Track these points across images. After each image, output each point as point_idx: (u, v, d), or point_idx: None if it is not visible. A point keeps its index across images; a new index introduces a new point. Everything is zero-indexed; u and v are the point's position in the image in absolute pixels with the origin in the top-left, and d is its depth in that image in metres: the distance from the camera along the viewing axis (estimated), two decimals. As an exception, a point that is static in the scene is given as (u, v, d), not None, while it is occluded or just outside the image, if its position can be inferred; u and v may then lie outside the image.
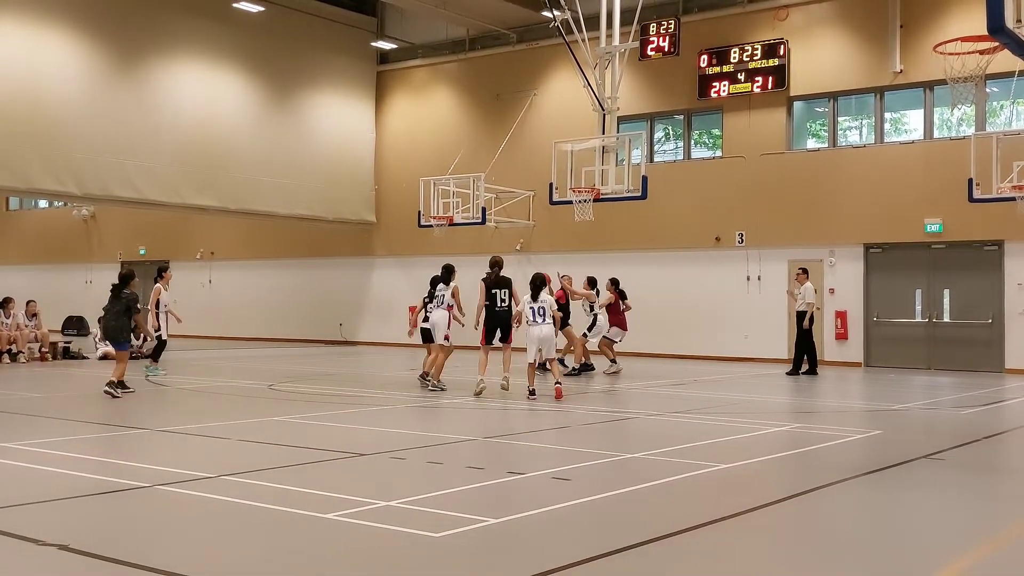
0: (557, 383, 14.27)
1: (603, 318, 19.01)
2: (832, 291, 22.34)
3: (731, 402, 14.30)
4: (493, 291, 14.61)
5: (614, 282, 19.04)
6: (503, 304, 14.60)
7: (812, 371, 19.16)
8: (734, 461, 9.00)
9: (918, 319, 21.80)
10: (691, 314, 24.15)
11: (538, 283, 14.50)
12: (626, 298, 19.09)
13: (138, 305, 14.36)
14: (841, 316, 22.34)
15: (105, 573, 5.35)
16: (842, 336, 22.32)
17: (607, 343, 18.77)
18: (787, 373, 19.30)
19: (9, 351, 20.48)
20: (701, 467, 8.56)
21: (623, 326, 18.93)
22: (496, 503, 7.16)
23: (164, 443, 9.90)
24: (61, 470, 8.06)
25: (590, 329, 19.12)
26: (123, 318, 14.01)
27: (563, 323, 17.76)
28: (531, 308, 14.26)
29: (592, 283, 19.41)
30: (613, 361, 18.61)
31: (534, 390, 14.13)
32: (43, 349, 21.25)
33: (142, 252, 34.88)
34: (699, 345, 23.96)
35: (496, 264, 14.99)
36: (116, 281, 14.37)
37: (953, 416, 13.27)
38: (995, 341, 20.89)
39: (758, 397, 15.46)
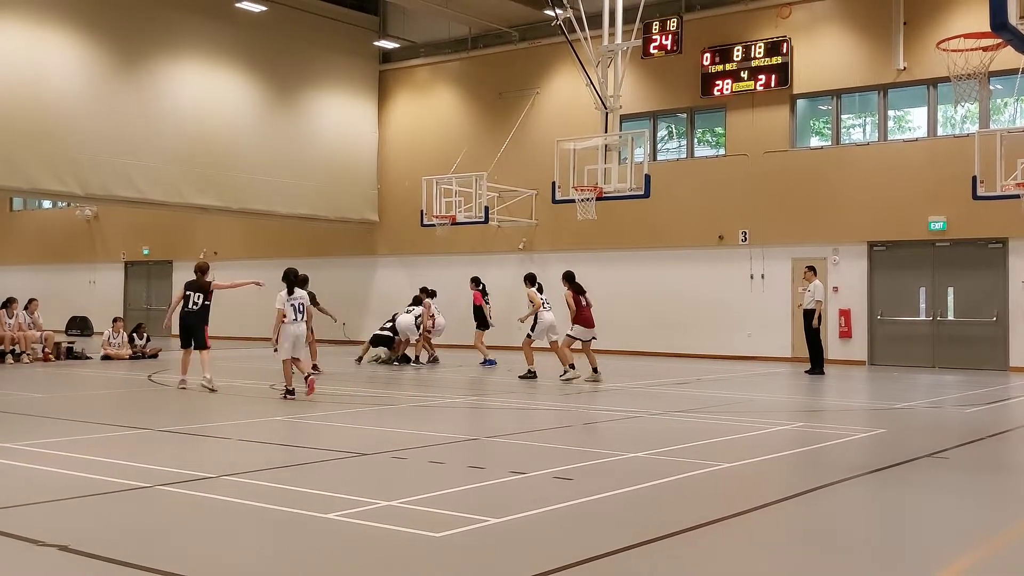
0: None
1: (548, 316, 17.33)
2: (836, 289, 22.29)
3: (734, 401, 14.27)
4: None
5: (568, 277, 17.06)
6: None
7: (818, 370, 19.02)
8: (737, 460, 8.97)
9: (922, 317, 21.75)
10: (694, 313, 24.11)
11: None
12: (584, 292, 16.94)
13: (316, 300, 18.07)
14: (845, 314, 22.29)
15: (105, 574, 5.33)
16: (846, 334, 22.28)
17: (569, 342, 16.84)
18: (806, 372, 19.12)
19: (12, 351, 20.49)
20: (704, 466, 8.53)
21: (588, 323, 16.79)
22: (497, 503, 7.13)
23: (165, 443, 9.89)
24: (62, 470, 8.04)
25: (533, 329, 17.48)
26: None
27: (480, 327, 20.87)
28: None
29: (532, 280, 17.95)
30: (571, 367, 16.67)
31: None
32: (46, 349, 21.26)
33: (145, 252, 34.92)
34: (702, 344, 23.92)
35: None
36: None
37: (957, 415, 13.23)
38: (999, 339, 20.83)
39: (761, 396, 15.42)
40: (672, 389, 16.17)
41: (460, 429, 11.46)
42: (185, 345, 15.29)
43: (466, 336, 21.94)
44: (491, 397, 14.62)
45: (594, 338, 16.98)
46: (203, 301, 15.06)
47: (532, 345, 17.44)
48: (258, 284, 16.27)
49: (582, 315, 16.71)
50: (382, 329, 21.15)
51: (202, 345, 15.05)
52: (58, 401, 14.08)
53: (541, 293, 17.70)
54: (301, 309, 13.76)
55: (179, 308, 15.21)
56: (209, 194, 25.15)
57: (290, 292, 13.74)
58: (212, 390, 14.54)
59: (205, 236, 32.93)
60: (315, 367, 18.19)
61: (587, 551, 5.70)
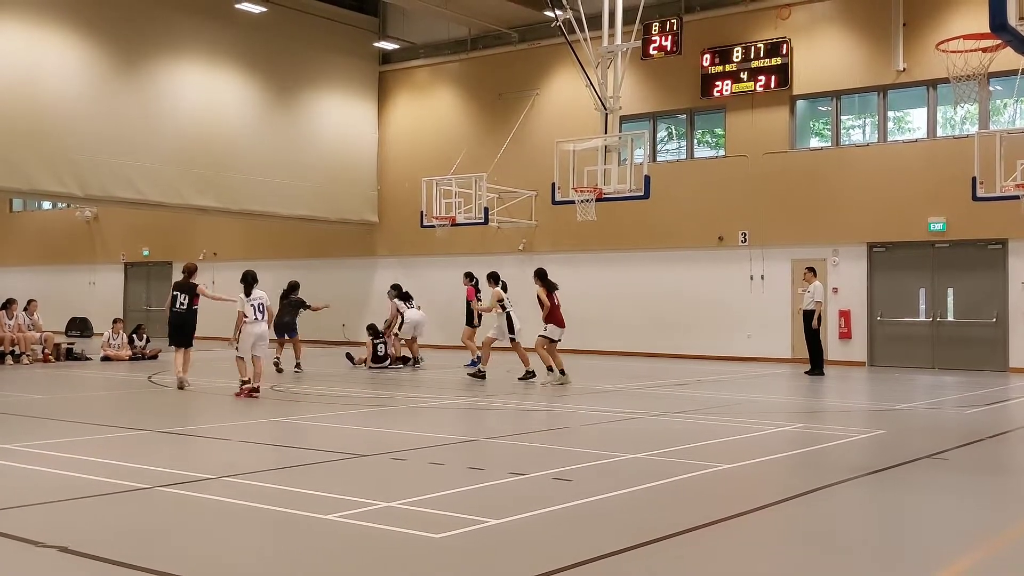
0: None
1: (514, 315, 17.36)
2: (836, 290, 22.30)
3: (734, 402, 14.27)
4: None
5: (540, 274, 16.69)
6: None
7: (818, 371, 18.99)
8: (737, 461, 8.97)
9: (922, 318, 21.75)
10: (694, 314, 24.11)
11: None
12: (555, 290, 16.56)
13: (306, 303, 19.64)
14: (845, 315, 22.30)
15: (105, 574, 5.33)
16: (846, 335, 22.28)
17: (543, 343, 16.23)
18: (806, 372, 19.10)
19: (12, 352, 20.49)
20: (703, 467, 8.53)
21: (560, 322, 16.35)
22: (497, 504, 7.13)
23: (165, 444, 9.89)
24: (62, 471, 8.05)
25: (512, 331, 17.23)
26: (292, 314, 19.17)
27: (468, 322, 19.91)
28: None
29: (496, 278, 17.89)
30: (561, 371, 16.14)
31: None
32: (46, 351, 21.26)
33: (145, 253, 34.91)
34: (702, 345, 23.91)
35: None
36: (285, 287, 19.66)
37: (957, 416, 13.23)
38: (999, 340, 20.83)
39: (761, 397, 15.43)
40: (672, 390, 16.17)
41: (459, 430, 11.47)
42: (175, 344, 15.60)
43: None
44: (490, 398, 14.61)
45: (559, 339, 16.43)
46: (189, 303, 15.45)
47: (521, 346, 17.34)
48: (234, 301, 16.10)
49: (555, 314, 16.26)
50: (377, 362, 20.03)
51: (188, 345, 15.54)
52: (58, 402, 14.08)
53: (506, 292, 17.74)
54: (261, 309, 14.20)
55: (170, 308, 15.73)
56: (209, 195, 25.15)
57: (247, 293, 14.17)
58: (182, 387, 15.09)
59: (205, 237, 32.91)
60: (298, 365, 18.76)
61: (587, 552, 5.70)
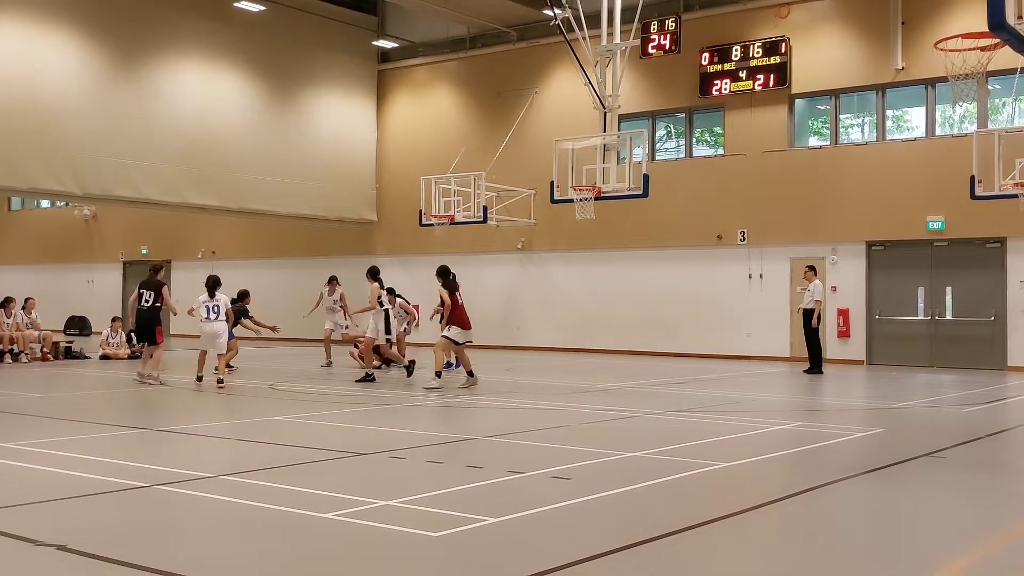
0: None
1: (378, 319, 16.93)
2: (834, 289, 22.30)
3: (732, 400, 14.27)
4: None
5: (442, 272, 15.87)
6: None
7: (817, 370, 18.97)
8: (735, 460, 8.98)
9: (920, 317, 21.76)
10: (693, 312, 24.12)
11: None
12: (458, 289, 15.58)
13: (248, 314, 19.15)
14: (843, 314, 22.30)
15: (104, 574, 5.32)
16: (844, 334, 22.29)
17: (445, 344, 15.43)
18: (805, 371, 19.07)
19: (11, 351, 20.48)
20: (702, 466, 8.53)
21: (465, 324, 15.43)
22: (496, 502, 7.13)
23: (163, 443, 9.89)
24: (60, 470, 8.04)
25: (388, 331, 17.12)
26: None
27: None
28: None
29: (374, 274, 17.59)
30: (469, 373, 15.38)
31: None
32: (44, 349, 21.26)
33: (144, 252, 34.89)
34: (701, 343, 23.93)
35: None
36: (234, 296, 18.61)
37: (955, 414, 13.24)
38: (997, 338, 20.84)
39: (760, 395, 15.43)
40: (670, 389, 16.18)
41: (458, 429, 11.47)
42: (140, 340, 16.46)
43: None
44: (489, 397, 14.61)
45: (470, 341, 15.55)
46: (154, 301, 15.74)
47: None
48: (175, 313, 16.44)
49: (458, 315, 15.28)
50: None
51: (152, 342, 15.84)
52: (56, 401, 14.08)
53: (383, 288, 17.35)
54: (216, 311, 15.32)
55: (136, 305, 16.08)
56: (208, 194, 25.15)
57: (210, 295, 15.43)
58: (144, 382, 15.38)
59: (203, 236, 32.92)
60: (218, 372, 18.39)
61: (585, 551, 5.70)
